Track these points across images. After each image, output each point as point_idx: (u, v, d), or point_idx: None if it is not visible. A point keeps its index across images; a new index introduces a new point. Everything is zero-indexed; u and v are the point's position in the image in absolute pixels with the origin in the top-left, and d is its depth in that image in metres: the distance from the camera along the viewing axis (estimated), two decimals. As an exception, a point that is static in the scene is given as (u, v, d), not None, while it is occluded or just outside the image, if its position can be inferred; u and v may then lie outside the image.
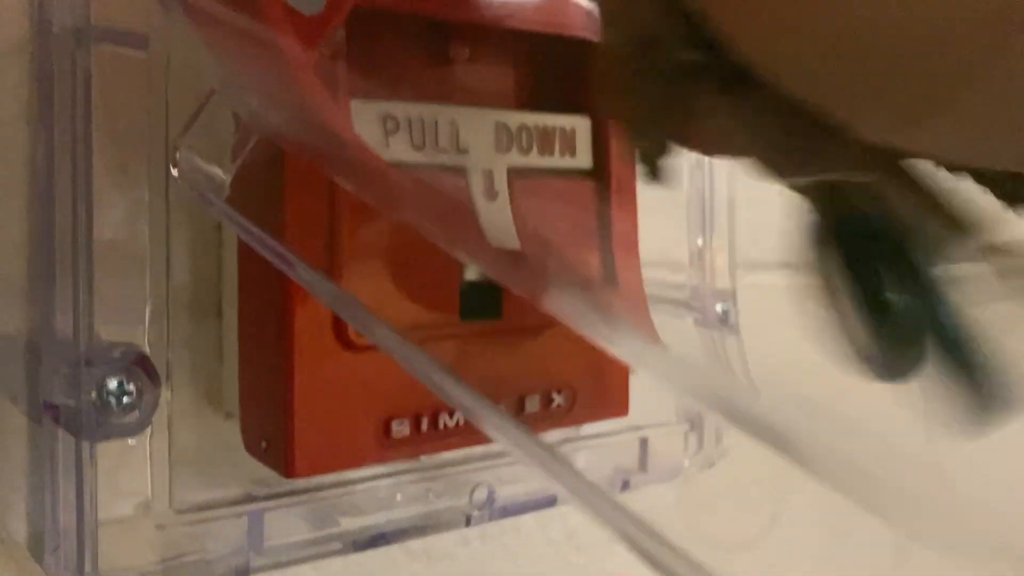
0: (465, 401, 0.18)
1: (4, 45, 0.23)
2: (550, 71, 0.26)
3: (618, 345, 0.16)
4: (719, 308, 0.31)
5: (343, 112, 0.20)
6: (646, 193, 0.29)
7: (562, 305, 0.18)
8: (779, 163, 0.16)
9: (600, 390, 0.28)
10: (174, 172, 0.19)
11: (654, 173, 0.19)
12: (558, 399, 0.26)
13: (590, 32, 0.25)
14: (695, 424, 0.30)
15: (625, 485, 0.28)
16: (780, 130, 0.15)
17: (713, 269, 0.33)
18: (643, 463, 0.29)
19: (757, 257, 0.39)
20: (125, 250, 0.23)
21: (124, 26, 0.19)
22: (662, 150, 0.18)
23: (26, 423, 0.23)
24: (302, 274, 0.18)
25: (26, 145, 0.23)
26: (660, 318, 0.30)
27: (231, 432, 0.25)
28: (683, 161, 0.34)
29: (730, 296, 0.32)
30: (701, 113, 0.16)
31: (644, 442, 0.29)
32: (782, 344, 0.34)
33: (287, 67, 0.16)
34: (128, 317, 0.21)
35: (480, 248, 0.20)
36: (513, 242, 0.24)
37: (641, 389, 0.29)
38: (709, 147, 0.18)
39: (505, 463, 0.27)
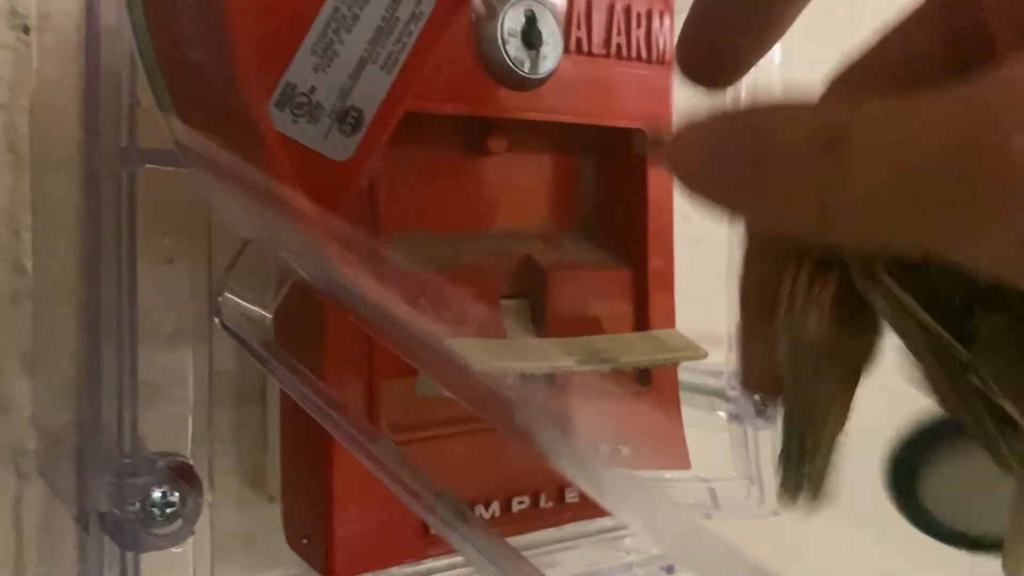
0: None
1: (59, 157, 0.23)
2: (588, 158, 0.26)
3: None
4: (756, 396, 0.31)
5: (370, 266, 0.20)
6: (683, 269, 0.29)
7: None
8: None
9: (661, 446, 0.28)
10: (216, 320, 0.20)
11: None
12: (624, 451, 0.26)
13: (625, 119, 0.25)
14: (755, 479, 0.30)
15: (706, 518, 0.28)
16: None
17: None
18: (715, 504, 0.29)
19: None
20: (169, 338, 0.24)
21: (168, 147, 0.19)
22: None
23: (74, 526, 0.24)
24: (341, 426, 0.18)
25: (78, 250, 0.23)
26: (691, 412, 0.30)
27: (275, 515, 0.25)
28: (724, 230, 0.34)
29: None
30: None
31: (713, 490, 0.29)
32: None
33: (302, 224, 0.16)
34: (172, 422, 0.22)
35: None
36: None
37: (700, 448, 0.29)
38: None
39: (547, 551, 0.26)
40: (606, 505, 0.15)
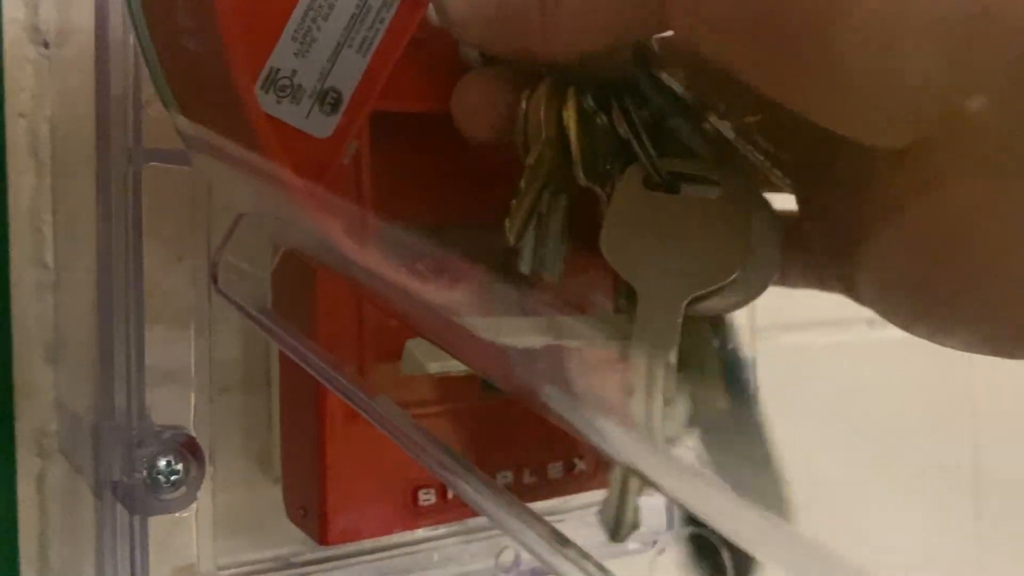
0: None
1: (77, 161, 0.25)
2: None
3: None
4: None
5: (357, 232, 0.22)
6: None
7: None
8: None
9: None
10: (214, 287, 0.22)
11: None
12: (580, 464, 0.27)
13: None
14: None
15: (654, 544, 0.29)
16: None
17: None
18: (671, 523, 0.30)
19: (790, 317, 0.39)
20: (175, 342, 0.26)
21: (172, 146, 0.21)
22: None
23: (92, 498, 0.26)
24: (332, 380, 0.20)
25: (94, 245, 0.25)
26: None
27: (280, 495, 0.27)
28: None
29: (750, 362, 0.33)
30: None
31: (670, 505, 0.30)
32: (813, 409, 0.35)
33: (290, 195, 0.18)
34: (177, 401, 0.24)
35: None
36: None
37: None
38: None
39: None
40: (612, 454, 0.17)
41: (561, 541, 0.17)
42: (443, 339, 0.20)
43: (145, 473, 0.21)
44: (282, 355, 0.27)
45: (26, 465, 0.26)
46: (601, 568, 0.16)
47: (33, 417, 0.26)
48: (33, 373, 0.26)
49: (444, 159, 0.25)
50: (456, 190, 0.25)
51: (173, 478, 0.21)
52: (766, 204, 0.21)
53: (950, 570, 0.45)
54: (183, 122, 0.19)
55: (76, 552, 0.25)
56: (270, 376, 0.29)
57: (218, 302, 0.26)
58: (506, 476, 0.26)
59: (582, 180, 0.22)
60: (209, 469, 0.23)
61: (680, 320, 0.19)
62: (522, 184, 0.21)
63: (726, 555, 0.23)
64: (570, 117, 0.21)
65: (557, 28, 0.19)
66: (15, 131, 0.26)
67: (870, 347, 0.43)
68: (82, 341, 0.26)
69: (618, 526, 0.17)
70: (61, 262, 0.27)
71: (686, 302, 0.19)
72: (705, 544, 0.26)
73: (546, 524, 0.18)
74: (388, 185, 0.24)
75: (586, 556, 0.17)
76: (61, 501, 0.26)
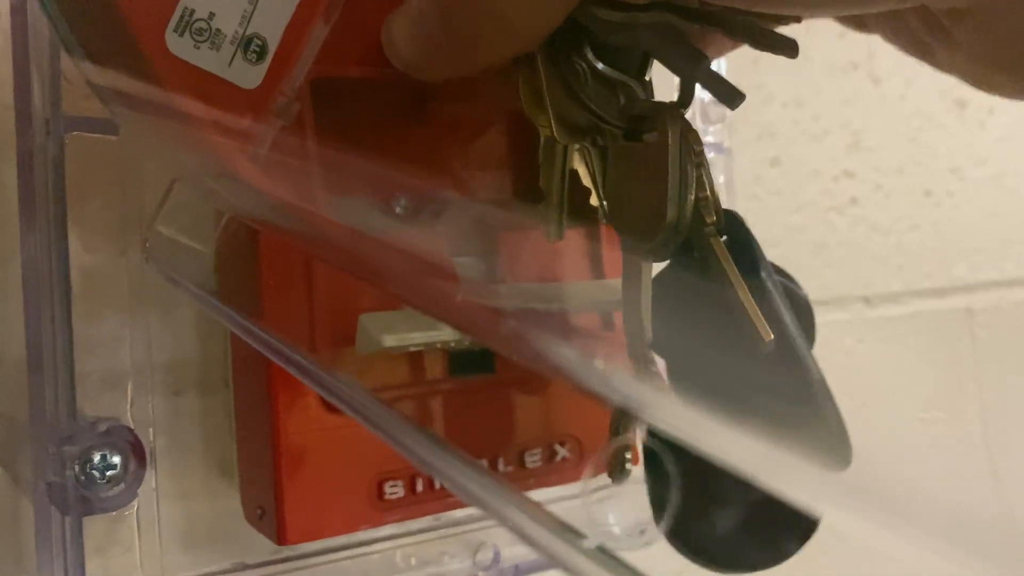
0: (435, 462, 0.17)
1: (2, 138, 0.24)
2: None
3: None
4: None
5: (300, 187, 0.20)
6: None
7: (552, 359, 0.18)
8: None
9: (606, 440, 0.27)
10: (145, 258, 0.20)
11: None
12: (562, 451, 0.26)
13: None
14: None
15: (642, 534, 0.28)
16: None
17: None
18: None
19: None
20: (105, 332, 0.24)
21: (95, 114, 0.20)
22: None
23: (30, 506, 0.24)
24: (287, 359, 0.18)
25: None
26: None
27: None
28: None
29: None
30: None
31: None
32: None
33: (222, 152, 0.16)
34: (112, 396, 0.22)
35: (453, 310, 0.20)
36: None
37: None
38: None
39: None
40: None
41: (566, 528, 0.15)
42: (415, 293, 0.18)
43: (77, 469, 0.19)
44: (234, 347, 0.25)
45: (-37, 478, 0.24)
46: (612, 556, 0.15)
47: (-29, 426, 0.25)
48: (-30, 379, 0.25)
49: (391, 125, 0.24)
50: (403, 157, 0.24)
51: (109, 473, 0.19)
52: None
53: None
54: (93, 73, 0.17)
55: (19, 567, 0.24)
56: (229, 377, 0.27)
57: (163, 291, 0.25)
58: (479, 465, 0.24)
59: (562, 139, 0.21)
60: (151, 472, 0.21)
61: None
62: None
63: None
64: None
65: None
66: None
67: (867, 324, 0.41)
68: (14, 339, 0.24)
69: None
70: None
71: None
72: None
73: (545, 510, 0.16)
74: (334, 152, 0.22)
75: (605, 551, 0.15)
76: (2, 514, 0.24)
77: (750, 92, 0.20)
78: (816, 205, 0.42)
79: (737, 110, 0.25)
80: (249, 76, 0.18)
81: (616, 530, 0.28)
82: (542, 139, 0.21)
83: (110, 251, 0.24)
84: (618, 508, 0.28)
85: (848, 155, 0.44)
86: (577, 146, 0.21)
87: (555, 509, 0.27)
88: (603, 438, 0.27)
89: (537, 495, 0.26)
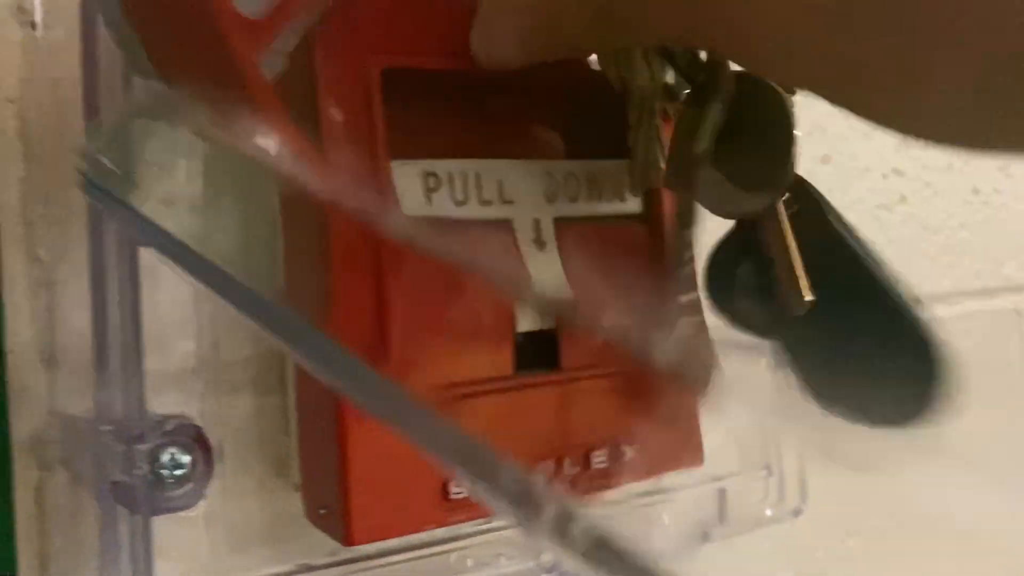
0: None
1: (67, 147, 0.24)
2: (596, 115, 0.26)
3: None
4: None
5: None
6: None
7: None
8: None
9: (672, 439, 0.26)
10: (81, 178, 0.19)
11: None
12: (628, 452, 0.25)
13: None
14: (773, 470, 0.28)
15: (705, 537, 0.27)
16: None
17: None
18: (722, 515, 0.28)
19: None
20: (183, 325, 0.24)
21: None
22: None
23: (94, 506, 0.24)
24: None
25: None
26: (731, 365, 0.29)
27: (300, 504, 0.25)
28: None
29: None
30: None
31: (722, 493, 0.28)
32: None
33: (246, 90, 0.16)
34: (181, 395, 0.22)
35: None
36: (565, 292, 0.23)
37: (715, 436, 0.28)
38: None
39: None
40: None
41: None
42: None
43: (147, 468, 0.19)
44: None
45: (24, 477, 0.24)
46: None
47: (30, 425, 0.24)
48: (29, 377, 0.25)
49: (461, 119, 0.24)
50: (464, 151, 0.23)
51: (178, 472, 0.19)
52: None
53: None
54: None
55: (79, 567, 0.23)
56: (285, 377, 0.27)
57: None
58: (546, 467, 0.24)
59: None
60: (220, 467, 0.21)
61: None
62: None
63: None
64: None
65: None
66: (3, 118, 0.24)
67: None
68: (79, 340, 0.24)
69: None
70: (55, 256, 0.25)
71: None
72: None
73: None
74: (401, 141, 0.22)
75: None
76: (61, 514, 0.24)
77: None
78: (866, 203, 0.42)
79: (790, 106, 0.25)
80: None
81: (672, 531, 0.28)
82: (635, 98, 0.24)
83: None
84: (673, 509, 0.28)
85: (897, 152, 0.43)
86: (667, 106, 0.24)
87: (613, 510, 0.27)
88: (666, 437, 0.26)
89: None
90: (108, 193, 0.18)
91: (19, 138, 0.25)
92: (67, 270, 0.25)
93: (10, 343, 0.24)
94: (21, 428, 0.24)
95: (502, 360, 0.23)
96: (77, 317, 0.24)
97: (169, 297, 0.24)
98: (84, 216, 0.24)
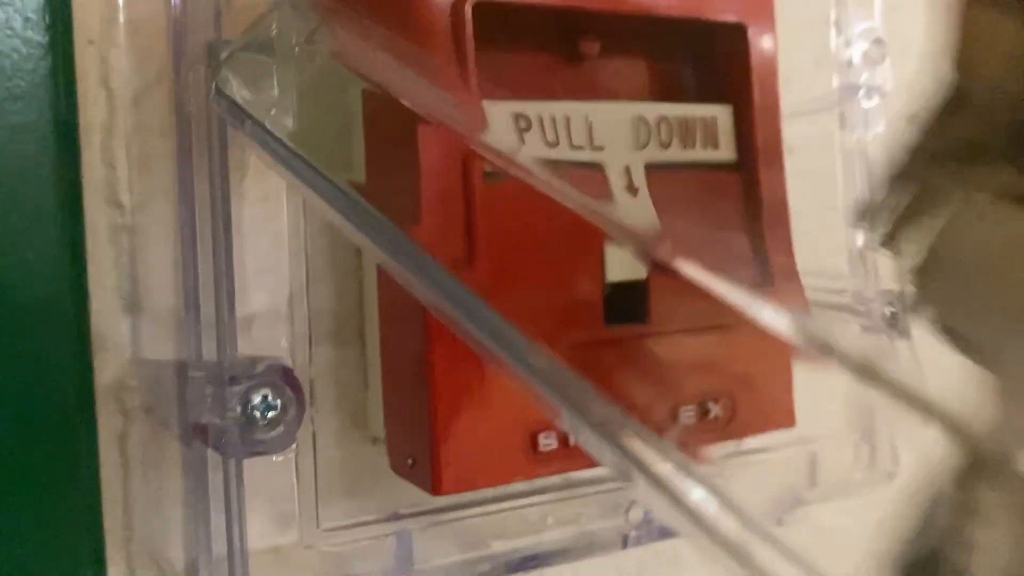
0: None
1: (150, 89, 0.23)
2: (688, 59, 0.25)
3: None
4: (887, 311, 0.28)
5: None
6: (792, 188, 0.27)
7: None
8: None
9: (763, 399, 0.25)
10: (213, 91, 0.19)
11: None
12: (715, 410, 0.24)
13: (729, 14, 0.24)
14: (866, 435, 0.27)
15: (795, 503, 0.26)
16: None
17: (877, 270, 0.30)
18: (812, 479, 0.27)
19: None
20: (266, 274, 0.24)
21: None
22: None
23: (179, 451, 0.23)
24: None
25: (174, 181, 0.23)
26: (825, 326, 0.28)
27: (378, 456, 0.24)
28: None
29: (899, 298, 0.30)
30: None
31: (813, 456, 0.27)
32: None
33: None
34: (271, 338, 0.21)
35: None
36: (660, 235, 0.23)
37: (807, 397, 0.27)
38: None
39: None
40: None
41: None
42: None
43: (240, 411, 0.18)
44: (382, 294, 0.24)
45: (108, 424, 0.24)
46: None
47: (112, 372, 0.24)
48: (111, 324, 0.24)
49: (552, 60, 0.23)
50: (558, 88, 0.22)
51: (270, 415, 0.19)
52: None
53: None
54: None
55: (162, 514, 0.23)
56: (363, 330, 0.26)
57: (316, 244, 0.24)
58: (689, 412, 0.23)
59: None
60: (309, 411, 0.20)
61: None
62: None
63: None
64: None
65: None
66: (84, 59, 0.24)
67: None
68: (163, 287, 0.24)
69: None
70: (137, 201, 0.24)
71: None
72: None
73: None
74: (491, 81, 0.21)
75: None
76: (144, 461, 0.24)
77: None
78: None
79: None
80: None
81: (761, 493, 0.27)
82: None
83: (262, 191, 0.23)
84: (763, 471, 0.27)
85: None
86: None
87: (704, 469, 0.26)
88: (757, 396, 0.25)
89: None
90: (234, 103, 0.18)
91: (100, 82, 0.24)
92: (149, 215, 0.24)
93: (92, 290, 0.24)
94: (104, 375, 0.24)
95: (592, 312, 0.22)
96: (159, 263, 0.24)
97: (248, 245, 0.24)
98: (167, 160, 0.23)
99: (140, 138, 0.24)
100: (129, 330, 0.24)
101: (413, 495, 0.23)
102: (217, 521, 0.19)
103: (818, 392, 0.28)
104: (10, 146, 0.22)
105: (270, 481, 0.20)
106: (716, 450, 0.25)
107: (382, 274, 0.23)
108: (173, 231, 0.23)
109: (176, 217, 0.23)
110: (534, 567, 0.23)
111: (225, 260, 0.20)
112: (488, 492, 0.23)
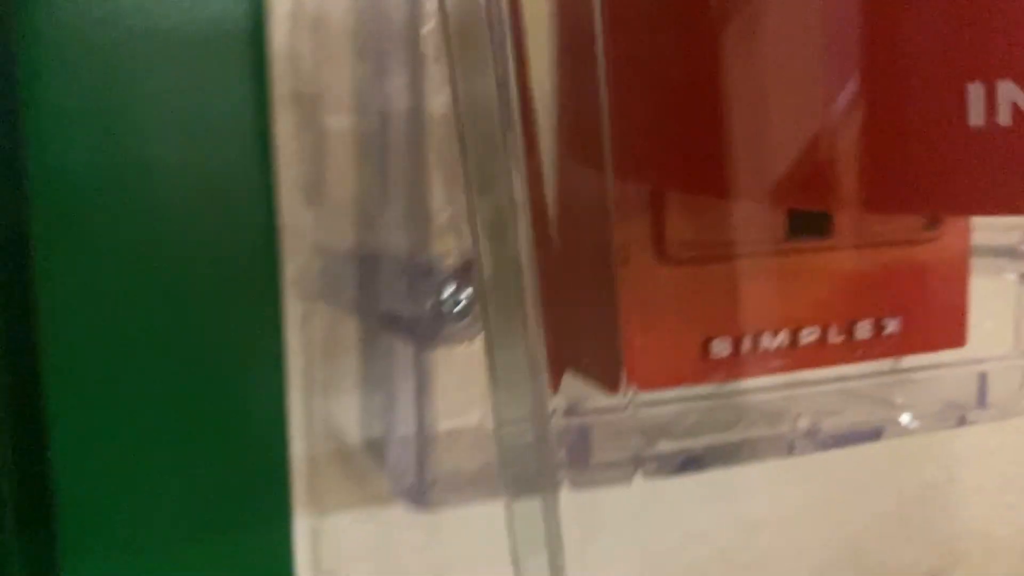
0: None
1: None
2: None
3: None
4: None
5: None
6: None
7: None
8: None
9: (936, 317, 0.25)
10: None
11: None
12: (891, 326, 0.24)
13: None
14: None
15: (961, 421, 0.26)
16: None
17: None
18: (981, 399, 0.26)
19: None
20: (450, 175, 0.24)
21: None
22: None
23: (354, 337, 0.24)
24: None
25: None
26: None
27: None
28: None
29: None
30: None
31: (983, 376, 0.26)
32: None
33: None
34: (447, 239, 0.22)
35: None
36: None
37: (979, 318, 0.26)
38: None
39: (825, 392, 0.25)
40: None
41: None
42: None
43: (433, 300, 0.19)
44: (561, 194, 0.24)
45: (291, 311, 0.25)
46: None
47: (294, 259, 0.25)
48: (293, 215, 0.25)
49: None
50: None
51: (459, 307, 0.19)
52: None
53: None
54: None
55: (341, 395, 0.25)
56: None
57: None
58: (812, 333, 0.23)
59: None
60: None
61: None
62: None
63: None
64: None
65: None
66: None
67: None
68: (344, 177, 0.25)
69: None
70: (317, 95, 0.25)
71: None
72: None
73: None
74: None
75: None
76: (326, 344, 0.25)
77: None
78: None
79: None
80: None
81: (928, 409, 0.26)
82: None
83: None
84: (931, 388, 0.26)
85: None
86: None
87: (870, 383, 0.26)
88: (931, 314, 0.25)
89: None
90: None
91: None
92: (333, 105, 0.25)
93: (279, 180, 0.25)
94: (289, 265, 0.25)
95: (775, 223, 0.22)
96: (342, 155, 0.25)
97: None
98: (349, 58, 0.24)
99: (327, 29, 0.25)
100: (312, 222, 0.25)
101: (581, 391, 0.23)
102: (406, 407, 0.20)
103: (989, 313, 0.27)
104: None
105: (455, 368, 0.21)
106: (890, 364, 0.25)
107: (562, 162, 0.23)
108: (351, 119, 0.24)
109: (355, 103, 0.23)
110: (697, 468, 0.24)
111: (414, 159, 0.20)
112: (658, 394, 0.23)
